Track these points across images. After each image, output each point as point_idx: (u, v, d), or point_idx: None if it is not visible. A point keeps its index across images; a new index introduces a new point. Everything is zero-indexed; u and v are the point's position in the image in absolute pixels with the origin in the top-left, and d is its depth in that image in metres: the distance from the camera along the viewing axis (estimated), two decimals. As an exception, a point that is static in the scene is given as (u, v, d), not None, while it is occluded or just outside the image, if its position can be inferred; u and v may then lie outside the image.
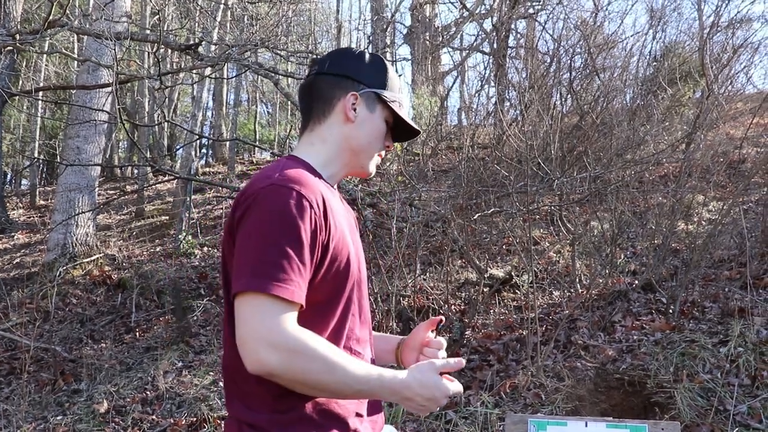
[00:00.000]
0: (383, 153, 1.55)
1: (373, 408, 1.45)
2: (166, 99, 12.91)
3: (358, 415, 1.38)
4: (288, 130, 17.70)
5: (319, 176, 1.42)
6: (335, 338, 1.36)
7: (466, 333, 4.80)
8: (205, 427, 4.27)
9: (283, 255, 1.22)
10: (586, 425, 2.07)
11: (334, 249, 1.32)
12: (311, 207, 1.26)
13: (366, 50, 1.54)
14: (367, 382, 1.25)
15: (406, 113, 1.53)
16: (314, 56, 8.15)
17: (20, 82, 15.22)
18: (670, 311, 4.46)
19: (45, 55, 14.64)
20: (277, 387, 1.26)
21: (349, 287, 1.38)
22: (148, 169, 12.67)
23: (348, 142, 1.47)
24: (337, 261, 1.33)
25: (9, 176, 21.52)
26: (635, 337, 4.25)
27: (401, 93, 1.54)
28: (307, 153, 1.47)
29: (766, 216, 5.33)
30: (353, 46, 18.95)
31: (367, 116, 1.47)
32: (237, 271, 1.24)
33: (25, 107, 17.22)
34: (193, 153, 11.63)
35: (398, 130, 1.54)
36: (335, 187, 1.51)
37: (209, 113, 20.46)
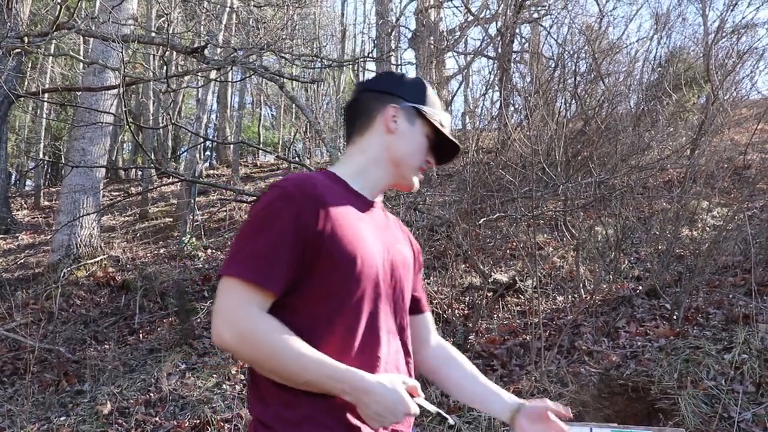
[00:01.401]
0: (425, 166, 1.57)
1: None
2: (172, 101, 12.94)
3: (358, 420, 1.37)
4: (292, 133, 17.72)
5: (343, 184, 1.48)
6: (348, 340, 1.36)
7: (470, 338, 4.80)
8: (208, 430, 4.27)
9: (258, 245, 1.32)
10: (591, 431, 2.07)
11: (330, 242, 1.34)
12: (296, 200, 1.34)
13: (407, 72, 1.61)
14: (318, 372, 1.28)
15: (447, 131, 1.56)
16: (320, 59, 8.17)
17: (26, 83, 15.27)
18: (674, 317, 4.45)
19: (51, 57, 14.69)
20: (287, 387, 1.32)
21: (362, 286, 1.38)
22: (153, 171, 12.71)
23: (389, 152, 1.52)
24: (335, 254, 1.35)
25: (14, 177, 21.57)
26: (639, 343, 4.24)
27: (442, 112, 1.57)
28: (341, 164, 1.54)
29: (771, 222, 5.32)
30: (357, 50, 18.99)
31: (407, 128, 1.52)
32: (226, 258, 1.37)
33: (30, 108, 17.29)
34: (197, 155, 11.66)
35: (439, 148, 1.58)
36: (376, 199, 1.55)
37: (213, 116, 20.49)
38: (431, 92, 1.57)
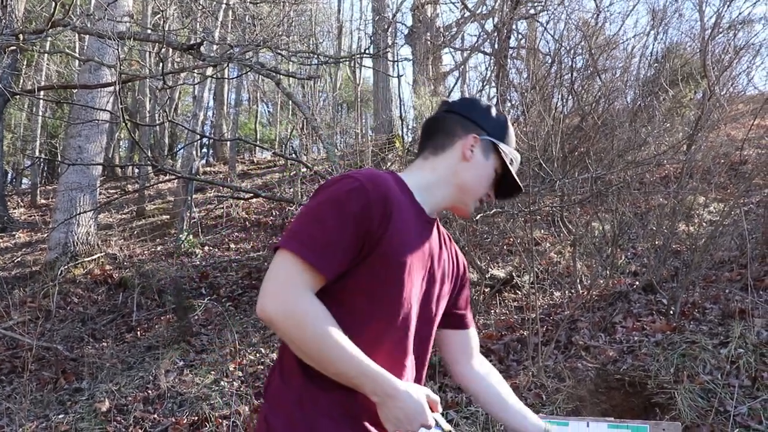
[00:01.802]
0: (484, 198, 1.63)
1: None
2: (168, 98, 12.92)
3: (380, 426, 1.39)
4: (289, 130, 17.70)
5: (410, 194, 1.51)
6: (376, 338, 1.40)
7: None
8: (206, 426, 4.28)
9: (322, 228, 1.33)
10: (588, 425, 2.08)
11: (386, 245, 1.37)
12: (368, 196, 1.35)
13: (494, 106, 1.66)
14: (353, 366, 1.30)
15: (514, 170, 1.61)
16: (316, 56, 8.16)
17: (21, 81, 15.23)
18: (671, 312, 4.47)
19: (47, 55, 14.65)
20: (313, 379, 1.36)
21: (404, 295, 1.42)
22: (150, 168, 12.69)
23: (457, 177, 1.55)
24: (386, 260, 1.38)
25: (10, 175, 21.53)
26: (636, 338, 4.26)
27: (515, 152, 1.63)
28: (410, 174, 1.56)
29: (767, 217, 5.33)
30: (354, 47, 18.95)
31: (481, 160, 1.56)
32: (285, 232, 1.41)
33: (26, 106, 17.24)
34: (194, 152, 11.65)
35: (502, 184, 1.62)
36: (433, 216, 1.57)
37: (210, 113, 20.48)
38: (512, 132, 1.62)
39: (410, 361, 1.50)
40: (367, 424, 1.39)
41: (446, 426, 1.47)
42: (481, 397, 1.77)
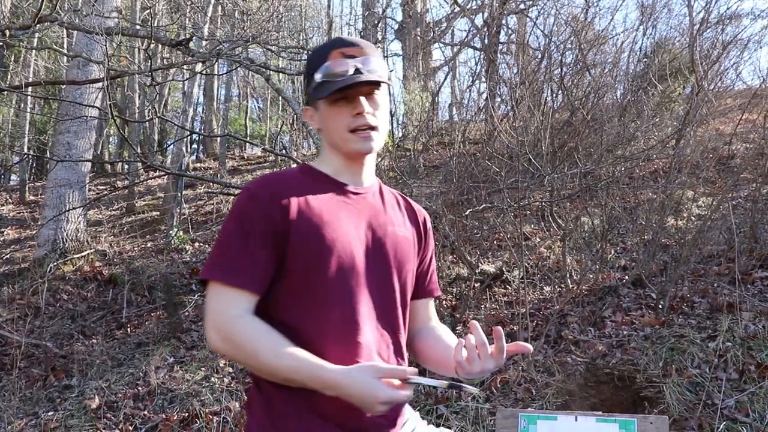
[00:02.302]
0: (356, 123, 1.47)
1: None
2: (157, 94, 12.85)
3: (350, 410, 1.37)
4: (279, 125, 17.66)
5: (322, 176, 1.52)
6: (319, 326, 1.39)
7: (458, 328, 4.82)
8: (197, 422, 4.27)
9: (233, 249, 1.38)
10: (576, 419, 2.09)
11: (298, 235, 1.38)
12: (259, 200, 1.38)
13: (317, 48, 1.54)
14: (293, 372, 1.32)
15: (335, 83, 1.43)
16: (306, 51, 8.13)
17: (9, 77, 15.11)
18: (660, 306, 4.50)
19: (34, 50, 14.54)
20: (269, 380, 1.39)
21: (334, 274, 1.39)
22: (139, 164, 12.62)
23: (328, 142, 1.54)
24: (304, 244, 1.38)
25: (-2, 172, 21.38)
26: (625, 332, 4.28)
27: (326, 63, 1.45)
28: (319, 158, 1.59)
29: (755, 211, 5.37)
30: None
31: (322, 118, 1.51)
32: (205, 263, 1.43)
33: (14, 102, 17.11)
34: (184, 149, 11.60)
35: (348, 94, 1.45)
36: (361, 187, 1.54)
37: (200, 109, 20.39)
38: (312, 57, 1.50)
39: (368, 337, 1.43)
40: (335, 417, 1.38)
41: (437, 383, 1.37)
42: (432, 355, 1.64)
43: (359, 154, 1.50)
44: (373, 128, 1.47)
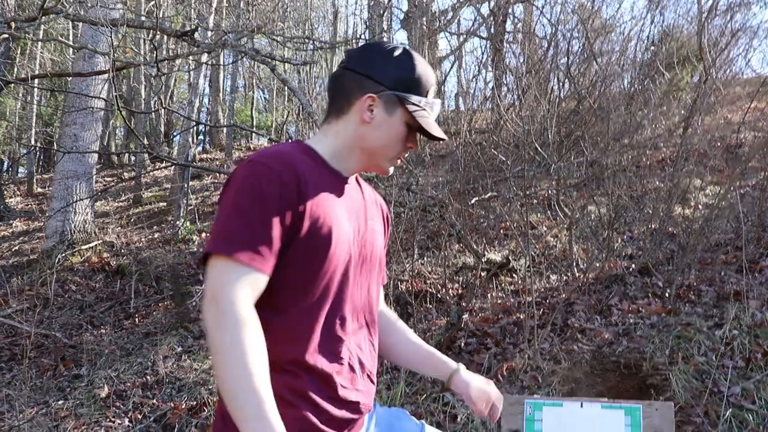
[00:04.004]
0: (406, 154, 1.50)
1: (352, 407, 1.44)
2: (163, 86, 12.87)
3: (333, 399, 1.38)
4: (285, 116, 17.66)
5: (321, 161, 1.43)
6: (310, 320, 1.35)
7: (464, 317, 4.83)
8: (205, 411, 4.30)
9: (248, 222, 1.25)
10: (582, 406, 2.10)
11: (309, 223, 1.31)
12: (281, 176, 1.28)
13: (399, 46, 1.46)
14: (243, 407, 1.16)
15: (431, 119, 1.46)
16: (312, 41, 8.13)
17: (15, 69, 15.15)
18: (666, 295, 4.49)
19: (40, 43, 14.56)
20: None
21: (331, 268, 1.37)
22: (146, 155, 12.66)
23: (361, 142, 1.44)
24: (312, 235, 1.32)
25: (6, 164, 21.47)
26: (631, 321, 4.28)
27: (430, 96, 1.46)
28: (318, 141, 1.46)
29: (763, 200, 5.35)
30: (349, 32, 18.86)
31: (384, 119, 1.42)
32: (209, 236, 1.30)
33: (20, 95, 17.16)
34: (190, 139, 11.61)
35: (422, 134, 1.46)
36: (351, 176, 1.50)
37: (206, 99, 20.38)
38: (421, 72, 1.44)
39: (350, 330, 1.44)
40: (318, 400, 1.36)
41: None
42: (393, 349, 1.70)
43: (383, 173, 1.52)
44: None
